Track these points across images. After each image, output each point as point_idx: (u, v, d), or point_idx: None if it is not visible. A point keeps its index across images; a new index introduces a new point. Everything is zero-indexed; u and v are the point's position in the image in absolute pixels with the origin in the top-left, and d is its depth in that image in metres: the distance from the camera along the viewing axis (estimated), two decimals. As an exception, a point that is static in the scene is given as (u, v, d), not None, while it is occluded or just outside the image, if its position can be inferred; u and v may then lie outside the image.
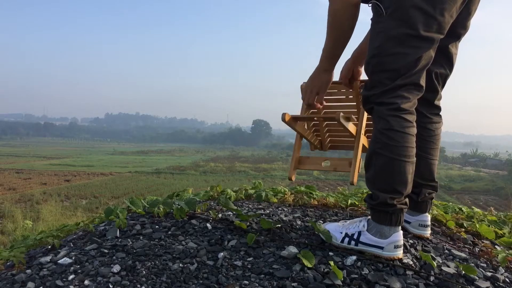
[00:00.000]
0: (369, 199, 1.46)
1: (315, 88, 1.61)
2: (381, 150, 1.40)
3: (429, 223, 1.69)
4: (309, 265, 1.37)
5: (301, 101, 1.73)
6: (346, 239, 1.49)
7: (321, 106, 1.68)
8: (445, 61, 1.59)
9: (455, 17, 1.42)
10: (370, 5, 1.45)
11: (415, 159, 1.43)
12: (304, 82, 1.69)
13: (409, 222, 1.70)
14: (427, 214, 1.69)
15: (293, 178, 1.85)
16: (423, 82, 1.44)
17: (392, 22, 1.37)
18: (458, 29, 1.53)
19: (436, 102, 1.65)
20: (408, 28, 1.35)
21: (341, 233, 1.52)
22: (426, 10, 1.33)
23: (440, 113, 1.69)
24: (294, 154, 1.87)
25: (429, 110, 1.64)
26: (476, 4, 1.52)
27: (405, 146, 1.39)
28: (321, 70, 1.58)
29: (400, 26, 1.36)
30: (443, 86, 1.66)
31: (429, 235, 1.69)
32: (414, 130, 1.42)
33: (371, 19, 1.46)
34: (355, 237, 1.47)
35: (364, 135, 1.78)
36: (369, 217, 1.49)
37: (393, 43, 1.37)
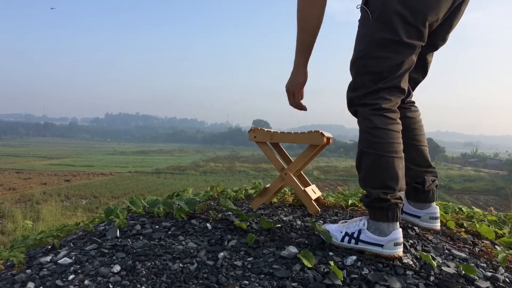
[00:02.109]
0: (364, 198, 1.48)
1: (291, 89, 1.69)
2: (368, 149, 1.43)
3: (438, 214, 1.69)
4: (309, 265, 1.37)
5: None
6: (346, 238, 1.50)
7: (305, 109, 1.75)
8: (421, 68, 1.64)
9: (435, 26, 1.47)
10: (358, 7, 1.49)
11: (403, 154, 1.45)
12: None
13: (418, 217, 1.69)
14: (435, 205, 1.69)
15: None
16: (404, 85, 1.47)
17: (376, 26, 1.41)
18: (438, 41, 1.58)
19: (407, 99, 1.71)
20: (391, 34, 1.38)
21: (341, 232, 1.53)
22: (407, 19, 1.36)
23: (415, 104, 1.74)
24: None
25: (403, 102, 1.67)
26: (458, 18, 1.56)
27: (391, 142, 1.42)
28: (294, 68, 1.66)
29: (383, 31, 1.39)
30: (414, 89, 1.72)
31: (439, 227, 1.70)
32: (398, 127, 1.46)
33: (359, 20, 1.49)
34: (355, 235, 1.48)
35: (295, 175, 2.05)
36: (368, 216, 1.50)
37: (377, 47, 1.41)
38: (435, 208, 1.68)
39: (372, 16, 1.41)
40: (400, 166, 1.43)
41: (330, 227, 1.59)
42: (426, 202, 1.67)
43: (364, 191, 1.49)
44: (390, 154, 1.41)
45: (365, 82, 1.45)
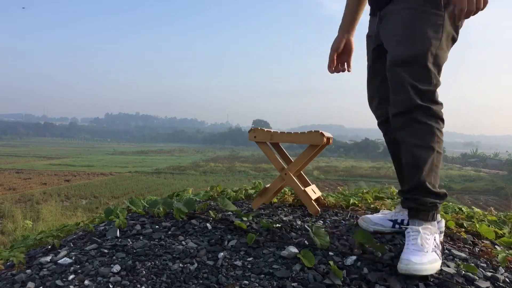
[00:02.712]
0: (434, 198, 1.40)
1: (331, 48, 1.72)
2: (439, 149, 1.41)
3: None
4: (309, 265, 1.37)
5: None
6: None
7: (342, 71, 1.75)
8: None
9: None
10: None
11: None
12: None
13: None
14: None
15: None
16: None
17: (448, 20, 1.37)
18: None
19: None
20: (455, 30, 1.40)
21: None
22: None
23: None
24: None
25: None
26: None
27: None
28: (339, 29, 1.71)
29: (452, 26, 1.39)
30: None
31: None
32: None
33: (418, 6, 1.38)
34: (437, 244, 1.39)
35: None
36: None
37: (446, 41, 1.39)
38: (443, 221, 1.66)
39: (444, 9, 1.36)
40: None
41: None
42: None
43: (420, 189, 1.39)
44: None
45: (435, 75, 1.38)
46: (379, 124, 1.68)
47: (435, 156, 1.40)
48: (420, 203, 1.40)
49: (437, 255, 1.35)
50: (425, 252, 1.32)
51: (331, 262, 1.35)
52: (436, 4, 1.37)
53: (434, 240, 1.38)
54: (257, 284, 1.31)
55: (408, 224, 1.45)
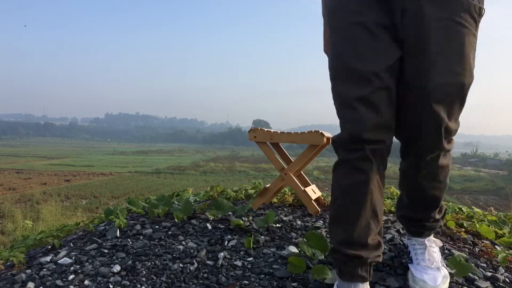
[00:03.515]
0: (438, 222, 1.36)
1: None
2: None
3: None
4: (309, 265, 1.37)
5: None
6: None
7: None
8: None
9: None
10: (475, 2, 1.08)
11: None
12: None
13: None
14: None
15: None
16: None
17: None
18: None
19: None
20: None
21: None
22: None
23: None
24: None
25: None
26: None
27: None
28: None
29: None
30: None
31: None
32: None
33: (470, 21, 1.07)
34: None
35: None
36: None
37: None
38: None
39: (477, 25, 1.10)
40: None
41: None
42: None
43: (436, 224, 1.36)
44: None
45: None
46: (343, 140, 1.14)
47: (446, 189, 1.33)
48: (424, 227, 1.36)
49: (446, 268, 1.32)
50: (437, 268, 1.27)
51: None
52: (476, 24, 1.09)
53: (439, 251, 1.36)
54: (257, 284, 1.31)
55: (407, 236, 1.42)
